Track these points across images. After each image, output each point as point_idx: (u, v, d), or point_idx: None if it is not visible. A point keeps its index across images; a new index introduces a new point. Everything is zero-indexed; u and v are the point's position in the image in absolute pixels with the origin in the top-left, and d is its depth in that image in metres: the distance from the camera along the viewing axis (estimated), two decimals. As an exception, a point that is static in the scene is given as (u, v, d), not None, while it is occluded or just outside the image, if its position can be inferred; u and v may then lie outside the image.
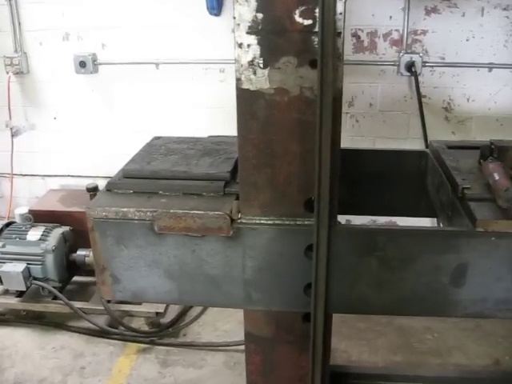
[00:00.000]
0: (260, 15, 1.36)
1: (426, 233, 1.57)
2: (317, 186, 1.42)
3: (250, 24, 1.36)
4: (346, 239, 1.54)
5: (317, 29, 1.34)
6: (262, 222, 1.54)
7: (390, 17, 3.54)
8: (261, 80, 1.41)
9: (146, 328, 3.30)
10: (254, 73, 1.41)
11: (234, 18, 1.36)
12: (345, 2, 1.36)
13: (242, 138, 1.49)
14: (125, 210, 1.55)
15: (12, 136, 4.14)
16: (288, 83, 1.42)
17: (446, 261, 1.55)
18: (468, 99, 3.68)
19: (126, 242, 1.58)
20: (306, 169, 1.48)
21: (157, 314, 3.31)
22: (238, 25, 1.37)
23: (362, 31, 3.59)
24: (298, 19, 1.36)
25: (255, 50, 1.39)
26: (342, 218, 1.61)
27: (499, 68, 3.58)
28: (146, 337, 3.22)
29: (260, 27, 1.36)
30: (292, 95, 1.43)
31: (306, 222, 1.52)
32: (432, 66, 3.59)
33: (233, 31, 1.38)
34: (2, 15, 3.98)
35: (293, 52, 1.39)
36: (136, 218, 1.55)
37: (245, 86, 1.42)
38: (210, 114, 3.85)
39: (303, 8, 1.35)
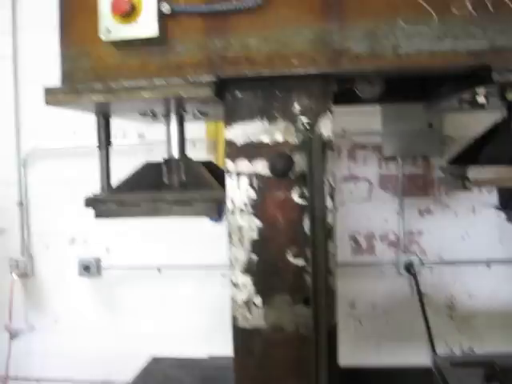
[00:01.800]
0: (254, 256, 1.41)
1: None
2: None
3: (244, 265, 1.41)
4: None
5: (309, 268, 1.38)
6: None
7: (386, 220, 3.67)
8: (256, 318, 1.43)
9: None
10: (250, 311, 1.42)
11: (230, 260, 1.41)
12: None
13: (238, 373, 1.47)
14: None
15: (10, 339, 4.09)
16: (283, 320, 1.43)
17: None
18: (470, 296, 3.68)
19: None
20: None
21: None
22: (233, 265, 1.42)
23: (360, 234, 3.70)
24: (291, 259, 1.41)
25: (250, 289, 1.42)
26: None
27: (497, 264, 3.63)
28: None
29: (255, 268, 1.41)
30: (288, 332, 1.43)
31: None
32: (430, 266, 3.64)
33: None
34: (12, 218, 4.14)
35: (287, 291, 1.42)
36: None
37: (241, 324, 1.43)
38: (211, 316, 3.83)
39: (295, 249, 1.41)
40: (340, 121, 3.66)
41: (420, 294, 3.55)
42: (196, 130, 3.44)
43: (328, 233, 1.38)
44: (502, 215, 3.65)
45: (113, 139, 1.98)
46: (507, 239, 3.68)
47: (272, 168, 1.44)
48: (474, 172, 1.52)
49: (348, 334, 3.73)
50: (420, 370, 2.09)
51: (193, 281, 3.91)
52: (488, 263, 3.64)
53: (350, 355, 3.62)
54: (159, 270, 3.90)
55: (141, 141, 3.95)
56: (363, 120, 3.63)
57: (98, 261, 4.03)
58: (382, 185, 3.71)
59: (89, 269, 4.01)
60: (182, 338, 3.79)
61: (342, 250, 3.69)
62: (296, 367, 1.43)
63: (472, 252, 3.65)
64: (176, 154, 1.94)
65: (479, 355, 2.06)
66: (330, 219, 1.42)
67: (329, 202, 1.42)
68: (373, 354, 3.71)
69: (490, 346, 3.59)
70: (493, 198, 3.62)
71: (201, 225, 3.80)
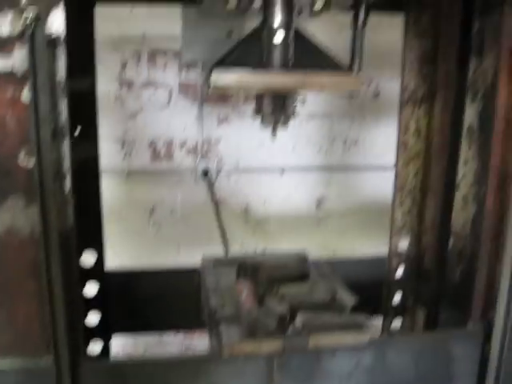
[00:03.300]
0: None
1: (176, 361, 1.57)
2: (52, 327, 1.37)
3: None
4: (94, 377, 1.49)
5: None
6: (2, 365, 1.46)
7: (185, 127, 3.69)
8: (-12, 221, 1.37)
9: None
10: (-20, 215, 1.36)
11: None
12: (71, 142, 1.38)
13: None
14: None
15: None
16: (18, 223, 1.39)
17: (199, 387, 1.56)
18: (264, 202, 3.89)
19: None
20: (47, 308, 1.43)
21: None
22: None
23: (159, 141, 3.69)
24: (23, 160, 1.35)
25: (-24, 191, 1.35)
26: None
27: (290, 171, 3.86)
28: None
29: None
30: (22, 235, 1.39)
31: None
32: (227, 173, 3.76)
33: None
34: None
35: (20, 193, 1.37)
36: None
37: (-30, 229, 1.37)
38: None
39: (26, 150, 1.35)
40: (140, 25, 3.55)
41: (215, 199, 3.68)
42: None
43: (55, 134, 1.33)
44: (295, 123, 3.87)
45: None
46: (300, 147, 3.91)
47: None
48: (215, 77, 1.54)
49: (148, 239, 3.78)
50: (188, 272, 2.19)
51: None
52: (282, 170, 3.86)
53: (150, 258, 3.75)
54: None
55: None
56: (164, 24, 3.54)
57: None
58: (182, 92, 3.69)
59: None
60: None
61: (140, 157, 3.67)
62: (32, 269, 1.41)
63: (267, 160, 3.82)
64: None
65: (240, 256, 2.18)
66: (60, 121, 1.37)
67: (61, 105, 1.36)
68: (172, 256, 3.82)
69: (282, 247, 3.86)
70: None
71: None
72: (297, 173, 3.91)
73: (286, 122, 1.88)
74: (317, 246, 3.83)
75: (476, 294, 1.83)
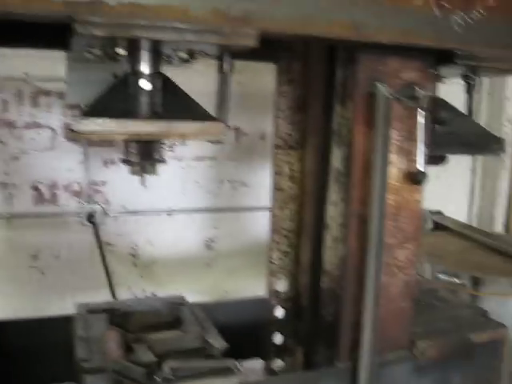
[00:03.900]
0: None
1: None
2: None
3: None
4: None
5: None
6: None
7: (70, 170, 3.61)
8: None
9: None
10: None
11: None
12: None
13: None
14: None
15: None
16: None
17: None
18: (152, 244, 3.86)
19: None
20: None
21: None
22: None
23: (42, 184, 3.58)
24: None
25: None
26: None
27: (178, 213, 3.86)
28: None
29: None
30: None
31: None
32: (114, 216, 3.70)
33: None
34: None
35: None
36: None
37: None
38: None
39: None
40: (22, 64, 3.46)
41: (100, 243, 3.61)
42: None
43: None
44: (183, 165, 3.89)
45: None
46: (188, 190, 3.92)
47: None
48: (77, 123, 1.53)
49: (31, 286, 3.63)
50: (60, 319, 2.11)
51: None
52: (169, 212, 3.85)
53: (34, 306, 3.58)
54: None
55: None
56: (48, 65, 3.48)
57: None
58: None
59: None
60: None
61: (22, 201, 3.54)
62: None
63: (154, 202, 3.81)
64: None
65: (116, 302, 2.13)
66: None
67: None
68: (57, 303, 3.67)
69: (170, 289, 3.82)
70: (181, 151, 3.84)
71: None
72: (185, 214, 3.92)
73: (153, 170, 1.88)
74: (208, 287, 3.84)
75: (343, 333, 1.89)
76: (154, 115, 1.64)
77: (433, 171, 4.64)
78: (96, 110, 1.68)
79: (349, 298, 1.85)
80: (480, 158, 4.91)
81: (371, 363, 1.80)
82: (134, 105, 1.64)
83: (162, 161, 1.86)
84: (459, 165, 4.81)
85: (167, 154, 3.71)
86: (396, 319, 1.94)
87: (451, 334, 2.08)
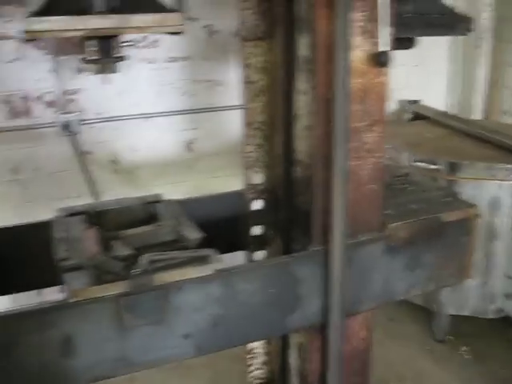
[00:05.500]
0: None
1: (19, 314, 1.55)
2: None
3: None
4: None
5: None
6: None
7: (40, 80, 3.53)
8: None
9: None
10: None
11: None
12: None
13: None
14: None
15: None
16: None
17: (50, 337, 1.56)
18: (132, 150, 3.86)
19: None
20: None
21: None
22: None
23: (13, 97, 3.52)
24: None
25: None
26: None
27: (156, 117, 3.83)
28: None
29: None
30: None
31: None
32: (90, 124, 3.67)
33: None
34: None
35: None
36: None
37: None
38: None
39: None
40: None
41: (79, 152, 3.60)
42: None
43: None
44: (156, 67, 3.82)
45: None
46: (164, 92, 3.87)
47: None
48: (29, 23, 1.49)
49: (13, 200, 3.66)
50: (43, 224, 2.14)
51: None
52: (147, 116, 3.82)
53: (19, 218, 3.61)
54: None
55: None
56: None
57: None
58: (34, 43, 3.51)
59: None
60: None
61: (-5, 116, 3.50)
62: None
63: (130, 107, 3.77)
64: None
65: (92, 204, 2.15)
66: None
67: None
68: (40, 215, 3.71)
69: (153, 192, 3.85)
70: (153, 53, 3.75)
71: None
72: (163, 118, 3.89)
73: (114, 68, 1.85)
74: (191, 189, 3.87)
75: (315, 218, 1.93)
76: (111, 10, 1.59)
77: (411, 60, 4.60)
78: (49, 8, 1.63)
79: (319, 184, 1.88)
80: (459, 45, 4.85)
81: (342, 245, 1.86)
82: (89, 1, 1.59)
83: (122, 59, 1.82)
84: (438, 53, 4.76)
85: (138, 57, 3.68)
86: (367, 202, 1.98)
87: (422, 215, 2.13)
